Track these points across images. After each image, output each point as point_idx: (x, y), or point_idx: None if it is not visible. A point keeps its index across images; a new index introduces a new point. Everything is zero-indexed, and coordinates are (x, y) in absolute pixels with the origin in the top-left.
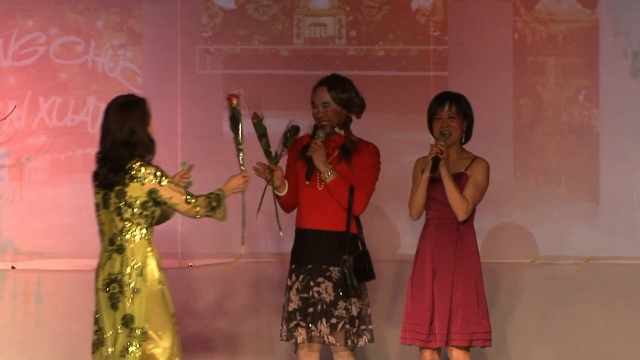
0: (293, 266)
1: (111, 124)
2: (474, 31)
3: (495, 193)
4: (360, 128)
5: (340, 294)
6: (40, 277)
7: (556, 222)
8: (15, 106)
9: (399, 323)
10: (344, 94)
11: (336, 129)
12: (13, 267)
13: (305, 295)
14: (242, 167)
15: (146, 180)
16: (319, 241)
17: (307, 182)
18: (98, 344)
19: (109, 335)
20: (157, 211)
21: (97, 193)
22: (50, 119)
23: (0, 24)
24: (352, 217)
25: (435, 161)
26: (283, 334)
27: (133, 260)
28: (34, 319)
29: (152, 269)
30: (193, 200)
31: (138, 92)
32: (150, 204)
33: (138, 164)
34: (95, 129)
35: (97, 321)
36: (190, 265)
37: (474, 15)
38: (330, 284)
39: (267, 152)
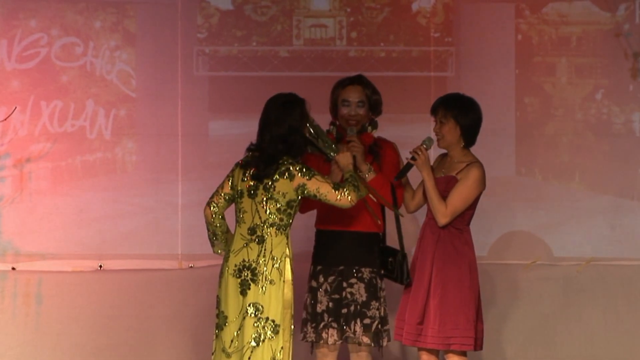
0: (319, 267)
1: (271, 120)
2: (475, 33)
3: (497, 189)
4: None
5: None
6: (41, 278)
7: (560, 221)
8: (16, 107)
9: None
10: (375, 95)
11: (369, 128)
12: (14, 268)
13: (337, 296)
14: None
15: (295, 176)
16: (347, 242)
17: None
18: (218, 327)
19: (233, 320)
20: (294, 213)
21: (242, 181)
22: (52, 125)
23: (5, 24)
24: (398, 214)
25: (405, 167)
26: (308, 335)
27: (271, 253)
28: (34, 320)
29: (288, 269)
30: (341, 188)
31: (132, 95)
32: (295, 203)
33: (289, 161)
34: (93, 135)
35: (218, 304)
36: (191, 267)
37: (475, 17)
38: (362, 285)
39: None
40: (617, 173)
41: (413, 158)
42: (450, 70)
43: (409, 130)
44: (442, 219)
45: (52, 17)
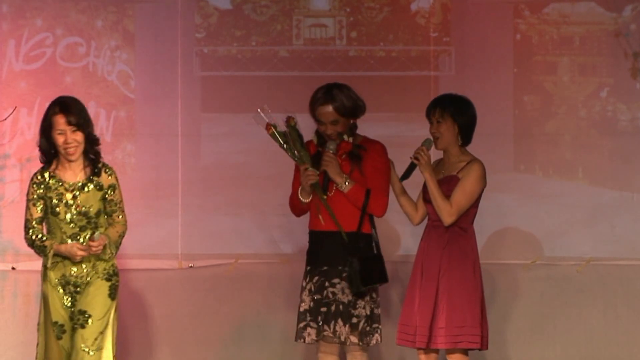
0: (308, 268)
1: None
2: (474, 33)
3: (497, 188)
4: (361, 128)
5: (356, 291)
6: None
7: (560, 221)
8: (15, 107)
9: (395, 324)
10: (349, 102)
11: (345, 137)
12: (13, 268)
13: (318, 296)
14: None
15: None
16: (331, 242)
17: (325, 196)
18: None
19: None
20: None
21: None
22: None
23: (12, 23)
24: (365, 218)
25: (410, 167)
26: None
27: None
28: (34, 320)
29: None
30: (29, 229)
31: (131, 96)
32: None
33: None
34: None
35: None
36: (191, 266)
37: (474, 17)
38: (346, 284)
39: (300, 157)
40: (620, 171)
41: (416, 158)
42: (449, 69)
43: (408, 129)
44: (448, 218)
45: (56, 16)
